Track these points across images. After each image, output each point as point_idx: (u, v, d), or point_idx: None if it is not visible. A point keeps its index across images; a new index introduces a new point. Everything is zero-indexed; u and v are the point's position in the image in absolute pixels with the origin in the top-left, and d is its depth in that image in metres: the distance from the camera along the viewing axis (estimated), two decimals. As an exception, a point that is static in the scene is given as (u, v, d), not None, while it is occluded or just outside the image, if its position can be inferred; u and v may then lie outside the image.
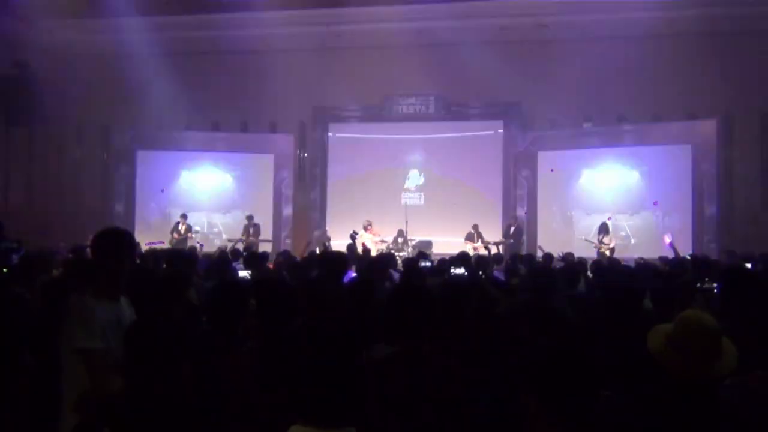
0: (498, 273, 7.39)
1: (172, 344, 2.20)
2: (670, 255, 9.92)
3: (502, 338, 3.00)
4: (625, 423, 2.23)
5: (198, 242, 14.43)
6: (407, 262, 6.97)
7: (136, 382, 2.13)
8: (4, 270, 3.70)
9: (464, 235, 14.07)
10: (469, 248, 12.89)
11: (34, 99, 14.25)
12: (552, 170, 14.81)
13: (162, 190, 16.04)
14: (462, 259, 7.17)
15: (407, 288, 3.15)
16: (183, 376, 2.21)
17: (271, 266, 7.79)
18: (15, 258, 5.97)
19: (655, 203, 14.01)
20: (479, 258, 8.28)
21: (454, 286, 4.05)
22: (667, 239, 10.59)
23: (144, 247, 12.54)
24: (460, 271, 5.84)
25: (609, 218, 13.88)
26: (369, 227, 13.67)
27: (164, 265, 6.41)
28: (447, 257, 8.00)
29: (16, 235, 8.09)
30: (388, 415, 2.49)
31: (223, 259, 6.94)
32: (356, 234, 11.83)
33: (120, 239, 3.03)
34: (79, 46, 14.81)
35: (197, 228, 15.54)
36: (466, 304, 3.75)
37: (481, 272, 6.27)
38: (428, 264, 6.66)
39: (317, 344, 1.95)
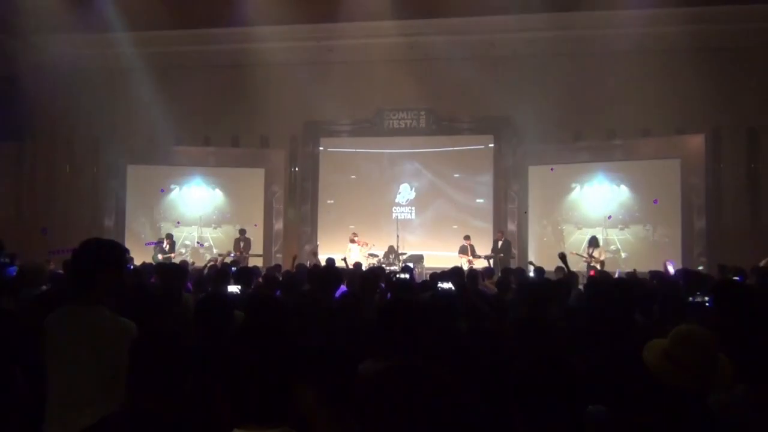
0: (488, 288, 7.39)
1: (177, 359, 2.17)
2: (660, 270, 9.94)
3: (493, 352, 2.99)
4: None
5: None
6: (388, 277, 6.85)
7: (141, 396, 2.10)
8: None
9: (455, 248, 14.07)
10: (463, 262, 12.88)
11: (23, 113, 14.21)
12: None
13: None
14: (450, 273, 7.13)
15: (397, 303, 3.14)
16: (186, 390, 2.18)
17: (261, 281, 7.72)
18: (9, 272, 5.92)
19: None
20: (470, 272, 8.26)
21: (441, 300, 4.05)
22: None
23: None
24: (447, 285, 5.78)
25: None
26: (355, 239, 13.69)
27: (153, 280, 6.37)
28: (438, 271, 7.97)
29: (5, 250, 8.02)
30: (382, 429, 2.47)
31: (220, 274, 6.82)
32: (344, 260, 11.32)
33: (109, 250, 2.99)
34: (70, 61, 14.77)
35: (186, 243, 15.51)
36: (454, 318, 3.75)
37: (467, 287, 6.22)
38: (407, 276, 6.54)
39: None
